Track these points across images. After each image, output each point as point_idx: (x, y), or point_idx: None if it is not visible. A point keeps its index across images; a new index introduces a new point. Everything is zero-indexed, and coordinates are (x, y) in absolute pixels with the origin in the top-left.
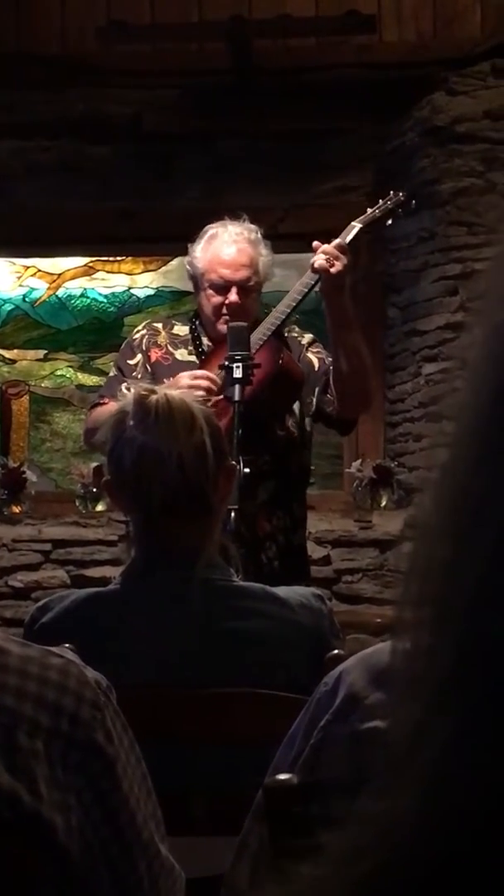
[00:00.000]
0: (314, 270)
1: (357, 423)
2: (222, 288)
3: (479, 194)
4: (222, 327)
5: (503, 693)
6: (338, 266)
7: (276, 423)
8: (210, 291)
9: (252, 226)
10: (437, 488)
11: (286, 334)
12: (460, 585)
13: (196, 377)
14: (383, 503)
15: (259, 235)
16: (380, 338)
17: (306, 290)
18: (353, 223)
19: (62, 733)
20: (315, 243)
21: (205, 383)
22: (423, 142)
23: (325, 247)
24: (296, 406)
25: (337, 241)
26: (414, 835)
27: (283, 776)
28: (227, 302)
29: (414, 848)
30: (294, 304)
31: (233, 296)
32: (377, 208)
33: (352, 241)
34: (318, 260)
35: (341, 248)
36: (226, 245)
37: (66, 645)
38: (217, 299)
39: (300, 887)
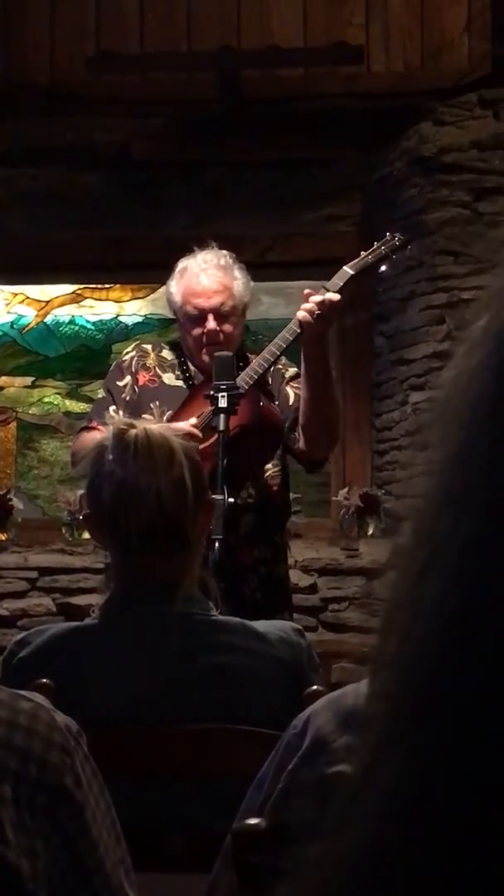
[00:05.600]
0: (300, 321)
1: (324, 465)
2: (198, 318)
3: (466, 224)
4: (206, 358)
5: (443, 747)
6: (323, 323)
7: (259, 465)
8: (189, 325)
9: (222, 251)
10: (405, 537)
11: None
12: (410, 636)
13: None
14: (370, 531)
15: (230, 260)
16: (367, 366)
17: (291, 337)
18: (344, 268)
19: (30, 778)
20: (306, 292)
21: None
22: (411, 171)
23: (314, 300)
24: None
25: (329, 295)
26: (351, 884)
27: (251, 821)
28: (205, 331)
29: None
30: (278, 353)
31: (210, 323)
32: (370, 253)
33: (342, 287)
34: (302, 313)
35: (331, 304)
36: (195, 275)
37: (44, 680)
38: (197, 330)
39: None
